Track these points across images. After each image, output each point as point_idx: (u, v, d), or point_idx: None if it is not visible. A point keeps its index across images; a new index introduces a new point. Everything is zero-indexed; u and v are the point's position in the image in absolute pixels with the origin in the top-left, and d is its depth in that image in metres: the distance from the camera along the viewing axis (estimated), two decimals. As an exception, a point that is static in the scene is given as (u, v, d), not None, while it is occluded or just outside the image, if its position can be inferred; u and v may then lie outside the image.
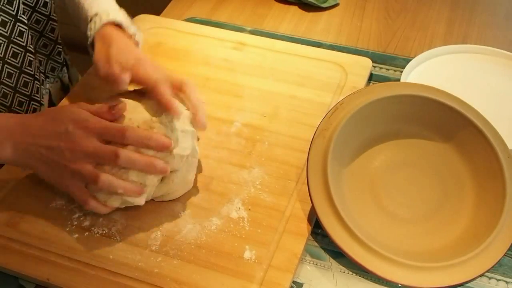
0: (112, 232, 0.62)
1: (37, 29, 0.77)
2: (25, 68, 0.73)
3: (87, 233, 0.62)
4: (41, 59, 0.80)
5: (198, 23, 0.93)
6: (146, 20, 0.90)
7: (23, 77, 0.73)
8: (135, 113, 0.61)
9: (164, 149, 0.58)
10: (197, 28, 0.89)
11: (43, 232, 0.62)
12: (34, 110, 0.77)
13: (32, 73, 0.75)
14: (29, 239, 0.62)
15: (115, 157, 0.56)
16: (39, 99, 0.77)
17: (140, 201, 0.60)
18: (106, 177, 0.57)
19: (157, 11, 0.95)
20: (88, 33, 0.68)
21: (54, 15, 0.78)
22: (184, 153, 0.61)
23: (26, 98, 0.75)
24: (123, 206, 0.62)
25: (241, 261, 0.59)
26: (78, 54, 0.93)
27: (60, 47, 0.82)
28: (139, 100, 0.63)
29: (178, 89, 0.64)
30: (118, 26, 0.68)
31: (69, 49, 0.89)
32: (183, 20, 0.93)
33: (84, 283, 0.58)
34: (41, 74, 0.80)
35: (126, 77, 0.61)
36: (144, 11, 0.92)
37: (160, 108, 0.61)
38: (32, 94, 0.76)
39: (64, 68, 0.86)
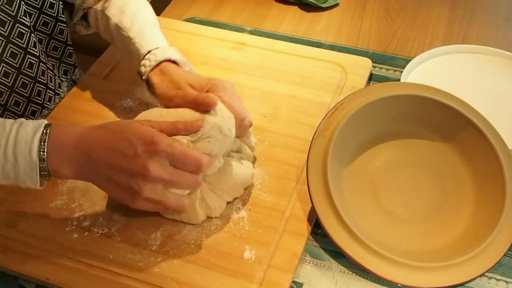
0: (112, 232, 0.62)
1: (46, 31, 0.77)
2: (24, 69, 0.73)
3: (87, 233, 0.62)
4: (53, 62, 0.80)
5: (198, 23, 0.93)
6: (146, 20, 0.90)
7: (21, 78, 0.73)
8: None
9: None
10: (197, 28, 0.89)
11: (43, 232, 0.62)
12: (33, 113, 0.77)
13: (33, 75, 0.74)
14: (29, 239, 0.62)
15: (196, 184, 0.57)
16: (41, 102, 0.77)
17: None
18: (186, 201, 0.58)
19: (157, 11, 0.95)
20: (142, 69, 0.67)
21: (63, 16, 0.78)
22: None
23: (23, 99, 0.74)
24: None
25: (241, 261, 0.59)
26: (80, 55, 0.92)
27: (71, 48, 0.82)
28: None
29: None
30: (174, 63, 0.68)
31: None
32: (183, 20, 0.93)
33: (84, 282, 0.58)
34: (54, 79, 0.79)
35: (215, 99, 0.59)
36: (144, 11, 0.92)
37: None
38: (32, 96, 0.75)
39: (76, 70, 0.86)
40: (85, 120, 0.74)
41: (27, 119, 0.56)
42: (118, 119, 0.74)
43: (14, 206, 0.65)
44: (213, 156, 0.58)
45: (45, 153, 0.54)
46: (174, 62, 0.68)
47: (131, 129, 0.55)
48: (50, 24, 0.76)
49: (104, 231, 0.62)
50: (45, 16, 0.75)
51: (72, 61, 0.83)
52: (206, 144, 0.57)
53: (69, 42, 0.81)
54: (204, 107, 0.58)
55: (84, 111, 0.76)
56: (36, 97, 0.75)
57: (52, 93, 0.78)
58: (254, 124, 0.73)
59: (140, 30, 0.70)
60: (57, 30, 0.78)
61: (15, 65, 0.71)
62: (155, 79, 0.66)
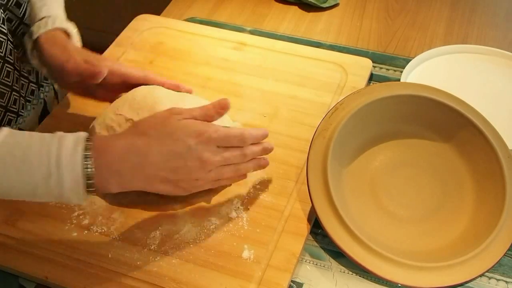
0: (111, 231, 0.62)
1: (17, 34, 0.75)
2: (2, 79, 0.71)
3: (86, 231, 0.62)
4: (29, 68, 0.78)
5: (198, 23, 0.93)
6: (146, 20, 0.90)
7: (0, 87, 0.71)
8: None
9: (266, 136, 0.62)
10: (197, 28, 0.89)
11: (42, 230, 0.62)
12: (9, 122, 0.74)
13: (10, 84, 0.72)
14: (28, 237, 0.62)
15: (244, 157, 0.59)
16: (16, 110, 0.75)
17: None
18: (250, 150, 0.60)
19: (157, 11, 0.95)
20: (35, 29, 0.67)
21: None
22: None
23: (1, 109, 0.73)
24: None
25: (239, 260, 0.59)
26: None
27: None
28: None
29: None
30: (67, 35, 0.69)
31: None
32: (183, 20, 0.93)
33: (83, 281, 0.58)
34: (31, 84, 0.78)
35: (105, 70, 0.63)
36: (144, 11, 0.92)
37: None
38: (9, 105, 0.74)
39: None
40: (85, 120, 0.73)
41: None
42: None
43: (13, 204, 0.65)
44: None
45: (92, 169, 0.52)
46: (68, 35, 0.69)
47: (175, 126, 0.56)
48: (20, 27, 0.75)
49: (103, 230, 0.62)
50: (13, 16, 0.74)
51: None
52: None
53: None
54: (95, 78, 0.63)
55: (84, 111, 0.76)
56: (12, 106, 0.74)
57: (23, 100, 0.76)
58: (254, 124, 0.73)
59: None
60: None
61: None
62: (46, 43, 0.66)
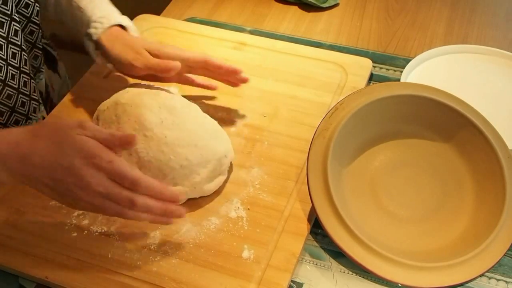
0: (111, 231, 0.62)
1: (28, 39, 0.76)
2: (21, 89, 0.73)
3: (86, 231, 0.62)
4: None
5: (198, 23, 0.93)
6: (146, 20, 0.90)
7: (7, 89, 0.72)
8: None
9: (176, 202, 0.56)
10: (197, 28, 0.89)
11: (42, 231, 0.62)
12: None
13: (28, 93, 0.74)
14: (28, 237, 0.62)
15: (132, 205, 0.53)
16: (25, 112, 0.76)
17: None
18: (142, 200, 0.54)
19: (157, 11, 0.95)
20: (93, 31, 0.69)
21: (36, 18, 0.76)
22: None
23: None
24: None
25: (239, 260, 0.59)
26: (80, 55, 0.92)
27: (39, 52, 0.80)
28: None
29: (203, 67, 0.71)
30: (123, 28, 0.71)
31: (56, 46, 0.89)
32: (183, 20, 0.93)
33: (83, 281, 0.58)
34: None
35: (176, 65, 0.67)
36: (144, 11, 0.92)
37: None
38: (17, 107, 0.74)
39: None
40: (86, 120, 0.74)
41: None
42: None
43: (13, 204, 0.65)
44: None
45: None
46: (124, 28, 0.71)
47: (68, 139, 0.53)
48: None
49: (103, 230, 0.62)
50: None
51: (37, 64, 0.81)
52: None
53: (38, 45, 0.79)
54: (165, 73, 0.67)
55: (85, 110, 0.76)
56: (20, 108, 0.75)
57: (36, 103, 0.77)
58: (254, 124, 0.73)
59: (91, 1, 0.72)
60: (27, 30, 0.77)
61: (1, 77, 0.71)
62: (107, 41, 0.69)
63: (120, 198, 0.53)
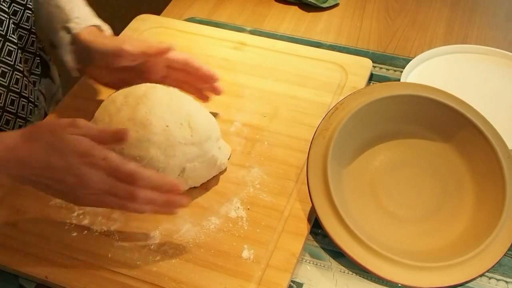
0: (111, 231, 0.62)
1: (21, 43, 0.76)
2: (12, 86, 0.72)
3: (86, 231, 0.62)
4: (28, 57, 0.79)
5: (198, 23, 0.93)
6: (146, 20, 0.90)
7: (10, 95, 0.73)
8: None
9: (176, 192, 0.56)
10: (197, 28, 0.89)
11: (42, 230, 0.62)
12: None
13: (25, 94, 0.74)
14: (28, 237, 0.62)
15: (132, 198, 0.54)
16: (24, 115, 0.76)
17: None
18: (143, 194, 0.54)
19: (157, 11, 0.95)
20: (74, 26, 0.69)
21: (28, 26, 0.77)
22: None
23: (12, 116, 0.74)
24: None
25: (239, 260, 0.59)
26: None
27: (39, 59, 0.81)
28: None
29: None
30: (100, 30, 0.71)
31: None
32: (183, 20, 0.93)
33: (83, 281, 0.58)
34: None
35: (171, 46, 0.65)
36: (144, 11, 0.92)
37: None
38: (18, 111, 0.75)
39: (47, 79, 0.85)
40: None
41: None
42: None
43: (13, 204, 0.65)
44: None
45: None
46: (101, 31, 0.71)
47: (63, 140, 0.53)
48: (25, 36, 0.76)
49: (103, 230, 0.62)
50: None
51: (39, 71, 0.82)
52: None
53: (37, 53, 0.80)
54: (158, 56, 0.65)
55: (85, 111, 0.76)
56: (21, 112, 0.75)
57: (32, 105, 0.78)
58: (254, 123, 0.73)
59: (69, 1, 0.72)
60: (29, 42, 0.78)
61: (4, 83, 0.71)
62: (89, 35, 0.68)
63: (120, 192, 0.53)
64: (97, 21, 0.71)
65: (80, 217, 0.63)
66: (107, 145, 0.54)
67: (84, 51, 0.68)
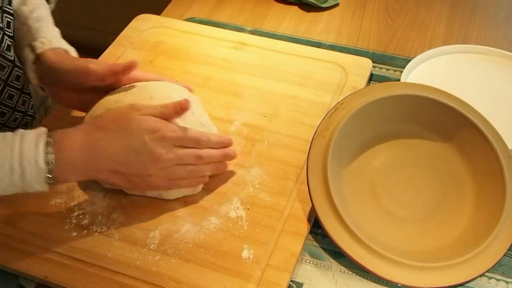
0: (111, 231, 0.62)
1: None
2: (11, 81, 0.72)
3: (85, 231, 0.62)
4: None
5: (198, 23, 0.93)
6: (146, 20, 0.90)
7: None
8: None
9: (230, 145, 0.65)
10: (197, 28, 0.89)
11: (42, 230, 0.62)
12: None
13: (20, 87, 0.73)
14: (28, 237, 0.62)
15: (199, 159, 0.62)
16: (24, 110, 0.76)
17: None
18: (206, 152, 0.62)
19: (157, 11, 0.95)
20: (39, 45, 0.68)
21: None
22: None
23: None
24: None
25: (239, 260, 0.59)
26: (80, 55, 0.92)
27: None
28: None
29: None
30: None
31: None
32: (183, 20, 0.93)
33: (83, 281, 0.58)
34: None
35: (138, 60, 0.66)
36: (144, 11, 0.92)
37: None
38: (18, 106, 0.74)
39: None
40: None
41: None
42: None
43: (13, 204, 0.65)
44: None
45: (53, 163, 0.55)
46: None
47: (132, 122, 0.58)
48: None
49: (102, 230, 0.62)
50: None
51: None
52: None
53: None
54: (128, 71, 0.65)
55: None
56: (21, 106, 0.74)
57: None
58: (254, 123, 0.73)
59: (38, 20, 0.71)
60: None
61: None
62: (55, 57, 0.67)
63: (189, 157, 0.61)
64: (64, 44, 0.70)
65: (80, 217, 0.63)
66: (170, 119, 0.60)
67: (49, 72, 0.67)
